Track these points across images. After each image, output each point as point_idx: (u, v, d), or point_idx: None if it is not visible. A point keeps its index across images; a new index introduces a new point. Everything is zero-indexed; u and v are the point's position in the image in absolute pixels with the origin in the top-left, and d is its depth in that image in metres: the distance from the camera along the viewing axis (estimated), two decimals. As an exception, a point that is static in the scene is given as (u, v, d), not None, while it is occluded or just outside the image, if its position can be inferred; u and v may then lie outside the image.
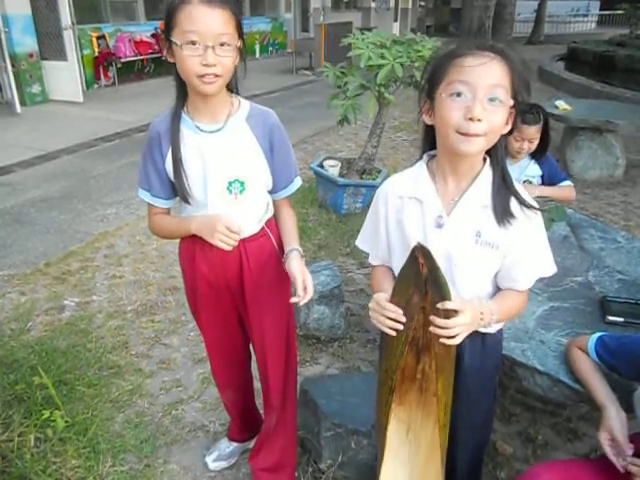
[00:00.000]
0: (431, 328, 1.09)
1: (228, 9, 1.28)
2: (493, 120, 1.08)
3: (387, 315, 1.13)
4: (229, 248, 1.38)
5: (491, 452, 2.00)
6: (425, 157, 1.27)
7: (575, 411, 2.15)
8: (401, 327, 1.13)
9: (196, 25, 1.24)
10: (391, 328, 1.13)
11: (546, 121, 2.47)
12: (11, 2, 7.61)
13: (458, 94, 1.08)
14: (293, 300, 1.42)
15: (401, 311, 1.12)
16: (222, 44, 1.27)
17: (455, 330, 1.07)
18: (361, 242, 1.42)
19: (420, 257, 1.07)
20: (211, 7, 1.25)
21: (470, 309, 1.10)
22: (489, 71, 1.07)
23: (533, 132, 2.44)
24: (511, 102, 1.10)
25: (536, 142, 2.48)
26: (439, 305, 1.07)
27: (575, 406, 2.07)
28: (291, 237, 1.56)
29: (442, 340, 1.09)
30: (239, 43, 1.32)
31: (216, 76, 1.30)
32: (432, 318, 1.08)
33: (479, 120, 1.06)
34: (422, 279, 1.08)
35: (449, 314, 1.08)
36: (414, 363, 1.23)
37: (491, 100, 1.07)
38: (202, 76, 1.28)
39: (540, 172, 2.59)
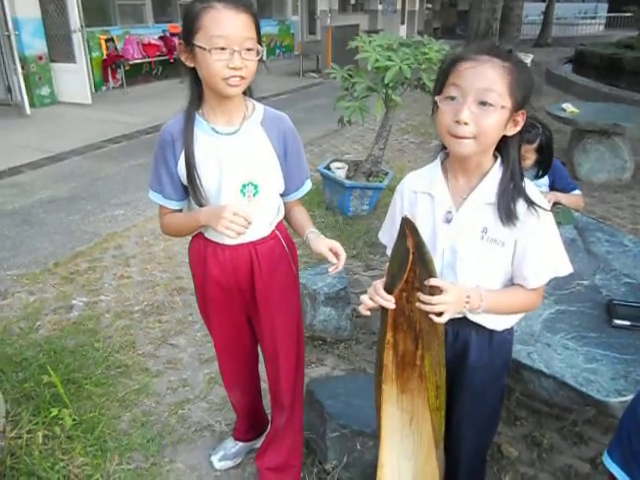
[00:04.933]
0: (417, 304, 1.13)
1: (250, 13, 1.30)
2: (482, 123, 1.10)
3: (379, 302, 1.18)
4: (233, 235, 1.33)
5: (496, 455, 2.00)
6: (441, 155, 1.30)
7: (581, 415, 2.15)
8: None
9: (223, 30, 1.26)
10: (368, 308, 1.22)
11: (546, 141, 2.42)
12: (21, 5, 7.70)
13: (452, 98, 1.12)
14: (331, 269, 1.42)
15: (393, 299, 1.17)
16: (248, 49, 1.29)
17: (439, 307, 1.11)
18: (381, 235, 1.47)
19: (407, 230, 1.11)
20: (237, 12, 1.27)
21: (455, 290, 1.13)
22: (481, 75, 1.09)
23: (524, 151, 2.41)
24: (508, 105, 1.10)
25: (529, 161, 2.46)
26: (425, 282, 1.12)
27: (581, 410, 2.06)
28: (306, 223, 1.57)
29: (430, 316, 1.13)
30: (259, 47, 1.34)
31: (242, 79, 1.32)
32: (418, 294, 1.13)
33: (466, 123, 1.09)
34: (409, 254, 1.12)
35: (434, 291, 1.12)
36: (413, 348, 1.25)
37: (482, 104, 1.09)
38: (227, 78, 1.30)
39: (547, 180, 2.58)
